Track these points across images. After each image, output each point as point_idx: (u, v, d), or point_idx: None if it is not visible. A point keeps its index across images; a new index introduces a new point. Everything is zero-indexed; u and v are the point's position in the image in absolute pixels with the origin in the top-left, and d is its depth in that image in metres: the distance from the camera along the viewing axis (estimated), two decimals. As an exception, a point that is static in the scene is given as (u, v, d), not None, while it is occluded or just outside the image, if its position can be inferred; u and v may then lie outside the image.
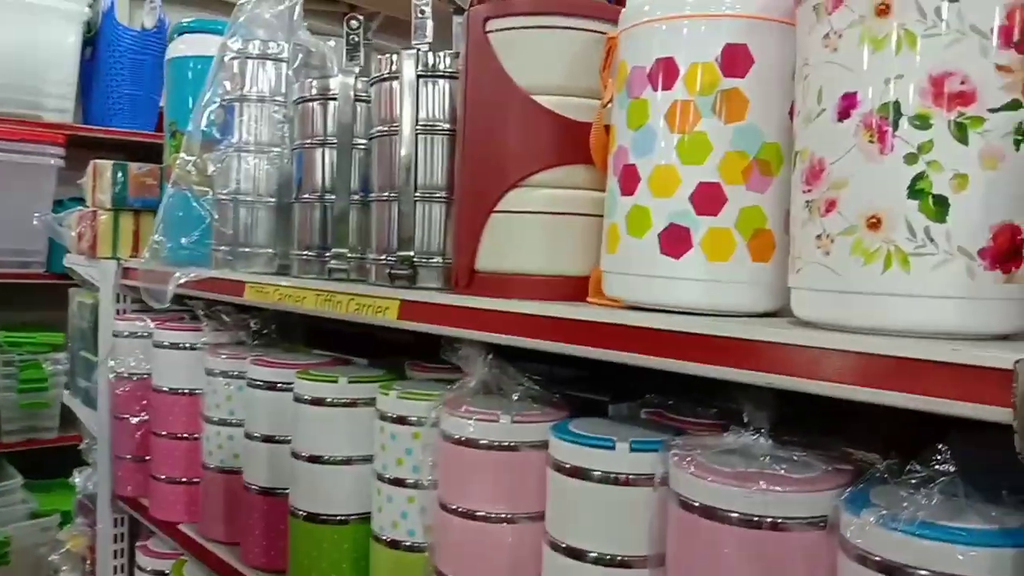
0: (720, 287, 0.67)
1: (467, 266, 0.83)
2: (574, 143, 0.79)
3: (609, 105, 0.75)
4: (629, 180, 0.70)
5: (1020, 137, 0.52)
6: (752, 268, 0.67)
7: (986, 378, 0.47)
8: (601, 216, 0.79)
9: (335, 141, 1.10)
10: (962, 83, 0.52)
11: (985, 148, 0.52)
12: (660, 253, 0.67)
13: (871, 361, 0.51)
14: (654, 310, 0.69)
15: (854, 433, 0.71)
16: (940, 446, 0.56)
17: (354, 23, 1.09)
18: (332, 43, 1.27)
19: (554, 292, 0.80)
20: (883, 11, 0.54)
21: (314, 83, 1.12)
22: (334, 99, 1.10)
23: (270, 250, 1.24)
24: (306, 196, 1.13)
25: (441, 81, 0.94)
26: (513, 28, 0.80)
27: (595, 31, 0.80)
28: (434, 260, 0.94)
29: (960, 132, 0.52)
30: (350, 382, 1.02)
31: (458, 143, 0.85)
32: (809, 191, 0.59)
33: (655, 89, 0.68)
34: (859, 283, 0.55)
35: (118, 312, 1.56)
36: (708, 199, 0.66)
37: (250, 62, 1.23)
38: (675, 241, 0.67)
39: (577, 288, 0.80)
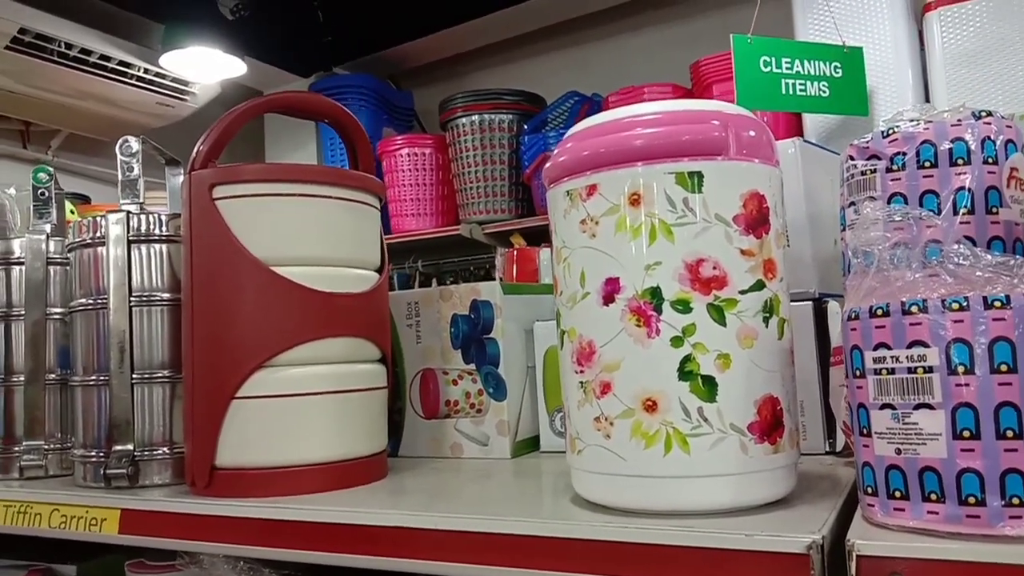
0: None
1: (205, 463, 0.72)
2: (323, 315, 0.73)
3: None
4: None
5: (767, 314, 0.56)
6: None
7: (784, 564, 0.47)
8: (363, 390, 0.73)
9: (22, 312, 0.92)
10: (714, 268, 0.54)
11: (741, 328, 0.54)
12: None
13: (679, 553, 0.50)
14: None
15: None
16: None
17: (43, 176, 0.94)
18: (12, 191, 1.09)
19: (314, 484, 0.71)
20: (635, 201, 0.55)
21: (-8, 244, 0.94)
22: (20, 263, 0.93)
23: (-65, 444, 1.00)
24: (-15, 379, 0.93)
25: (157, 245, 0.83)
26: (244, 196, 0.73)
27: (336, 197, 0.75)
28: (159, 452, 0.80)
29: (718, 314, 0.54)
30: (57, 608, 0.84)
31: (185, 321, 0.75)
32: (582, 372, 0.58)
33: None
34: (643, 467, 0.54)
35: None
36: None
37: (-100, 217, 1.01)
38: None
39: (344, 475, 0.73)
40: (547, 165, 0.63)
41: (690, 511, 0.54)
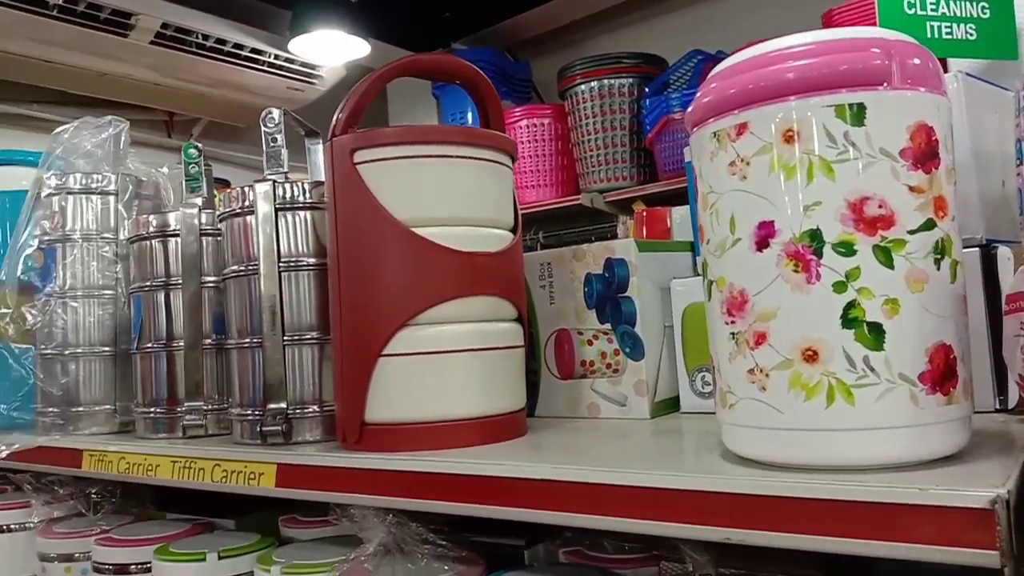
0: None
1: (355, 419, 0.74)
2: (463, 275, 0.74)
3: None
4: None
5: (939, 256, 0.52)
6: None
7: (965, 520, 0.44)
8: (503, 348, 0.73)
9: (179, 282, 0.98)
10: (880, 207, 0.51)
11: (911, 270, 0.51)
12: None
13: (846, 508, 0.48)
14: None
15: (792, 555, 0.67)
16: None
17: (193, 152, 0.99)
18: (165, 170, 1.16)
19: (459, 439, 0.72)
20: (791, 138, 0.52)
21: (151, 219, 1.00)
22: (175, 235, 0.99)
23: (108, 407, 1.08)
24: (149, 345, 1.00)
25: (302, 213, 0.86)
26: (384, 159, 0.74)
27: (472, 157, 0.76)
28: (311, 410, 0.84)
29: (885, 256, 0.51)
30: (220, 558, 0.89)
31: (332, 284, 0.77)
32: (733, 323, 0.56)
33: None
34: (803, 420, 0.52)
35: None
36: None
37: (71, 197, 1.09)
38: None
39: (486, 430, 0.73)
40: (690, 108, 0.60)
41: (853, 466, 0.51)
